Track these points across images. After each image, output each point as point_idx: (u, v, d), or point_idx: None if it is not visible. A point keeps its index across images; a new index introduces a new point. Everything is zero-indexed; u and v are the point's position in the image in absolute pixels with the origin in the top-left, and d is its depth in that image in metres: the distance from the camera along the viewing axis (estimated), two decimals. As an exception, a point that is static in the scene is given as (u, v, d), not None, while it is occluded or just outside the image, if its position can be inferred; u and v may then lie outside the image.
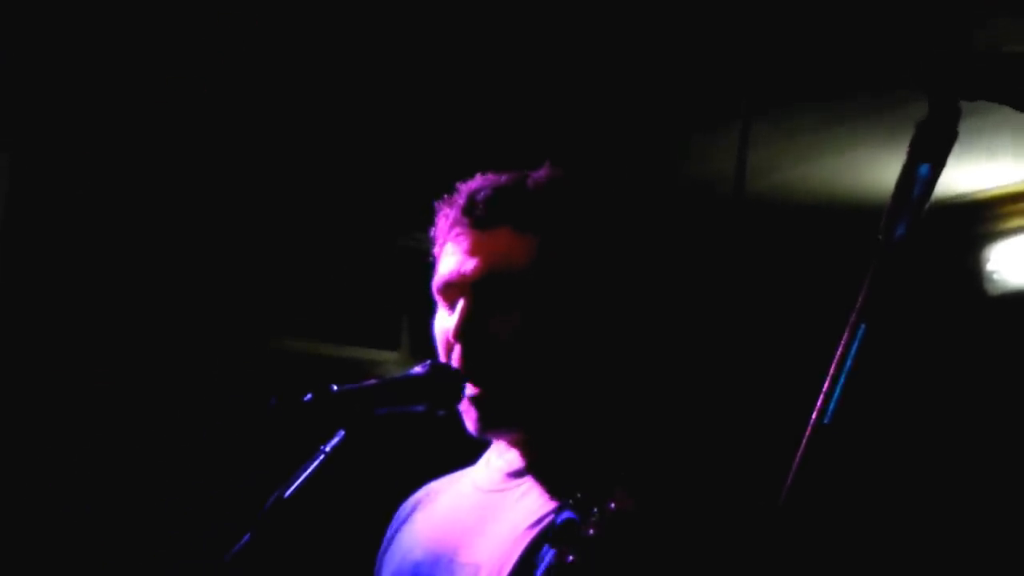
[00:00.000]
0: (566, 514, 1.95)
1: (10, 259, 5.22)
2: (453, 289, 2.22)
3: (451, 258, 2.23)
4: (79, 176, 5.34)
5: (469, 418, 2.21)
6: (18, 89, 4.74)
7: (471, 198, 2.23)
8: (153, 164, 5.42)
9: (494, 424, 2.23)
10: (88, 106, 4.87)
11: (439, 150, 5.14)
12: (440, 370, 2.18)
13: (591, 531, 1.85)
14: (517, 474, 2.25)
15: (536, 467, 2.23)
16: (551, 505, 2.12)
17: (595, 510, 1.87)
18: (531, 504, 2.16)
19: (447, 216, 2.27)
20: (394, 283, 6.18)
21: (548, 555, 1.98)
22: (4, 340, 5.17)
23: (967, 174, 5.48)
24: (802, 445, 1.46)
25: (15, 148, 5.16)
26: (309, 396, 2.01)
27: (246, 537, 1.96)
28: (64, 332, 5.37)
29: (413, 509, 2.47)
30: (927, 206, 1.57)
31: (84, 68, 4.60)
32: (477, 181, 2.27)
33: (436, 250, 2.30)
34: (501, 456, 2.31)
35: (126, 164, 5.36)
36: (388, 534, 2.49)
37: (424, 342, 2.33)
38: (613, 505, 1.87)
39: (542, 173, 2.27)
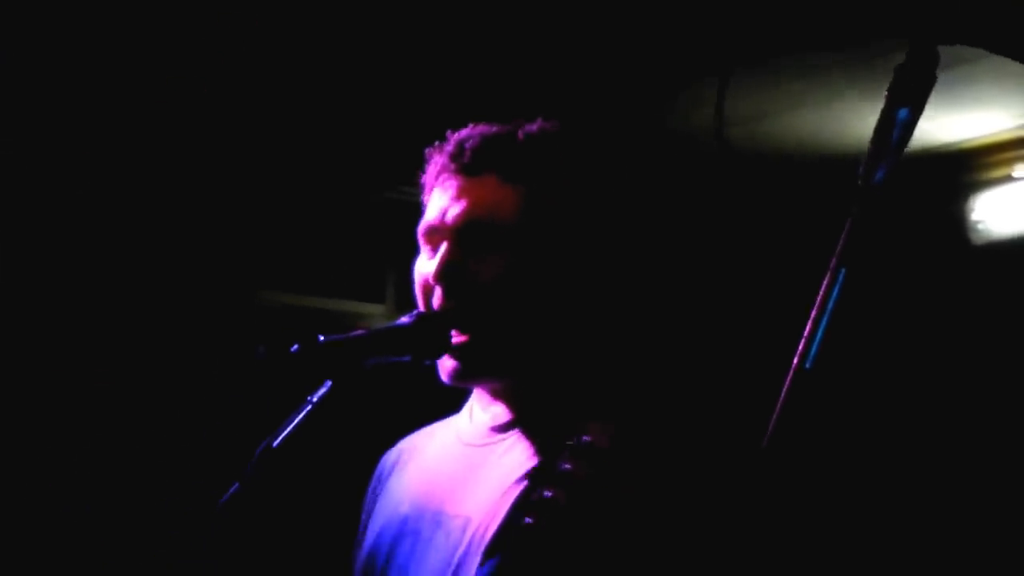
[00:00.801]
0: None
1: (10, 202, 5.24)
2: (436, 233, 2.22)
3: (436, 203, 2.23)
4: (66, 132, 5.34)
5: (444, 367, 2.22)
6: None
7: (459, 145, 2.23)
8: (140, 124, 5.41)
9: (469, 374, 2.23)
10: (71, 66, 4.87)
11: (425, 103, 5.14)
12: (426, 320, 2.18)
13: (566, 465, 1.86)
14: (502, 428, 2.25)
15: (521, 421, 2.23)
16: (537, 459, 2.13)
17: (569, 442, 1.87)
18: (518, 457, 2.17)
19: (435, 163, 2.27)
20: (380, 236, 6.19)
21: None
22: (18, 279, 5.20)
23: (952, 123, 5.48)
24: (784, 389, 1.47)
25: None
26: (296, 347, 2.01)
27: (235, 486, 1.97)
28: (52, 292, 5.38)
29: (396, 462, 2.47)
30: (910, 153, 1.58)
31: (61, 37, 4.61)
32: (467, 130, 2.28)
33: (424, 197, 2.31)
34: (485, 410, 2.31)
35: (113, 120, 5.35)
36: (372, 488, 2.50)
37: (410, 295, 2.33)
38: (586, 438, 1.87)
39: (534, 126, 2.27)
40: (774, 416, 1.45)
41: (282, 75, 5.07)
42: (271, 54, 4.87)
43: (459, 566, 2.10)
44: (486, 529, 2.10)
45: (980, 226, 5.73)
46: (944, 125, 5.47)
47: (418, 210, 2.34)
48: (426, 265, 2.24)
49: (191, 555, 2.00)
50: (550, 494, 1.85)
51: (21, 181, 5.28)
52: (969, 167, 5.81)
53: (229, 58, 4.90)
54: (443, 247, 2.20)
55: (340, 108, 5.40)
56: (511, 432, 2.23)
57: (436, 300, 2.20)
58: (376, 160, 5.87)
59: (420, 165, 2.34)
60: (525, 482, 2.10)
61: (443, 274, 2.18)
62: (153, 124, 5.50)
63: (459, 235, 2.19)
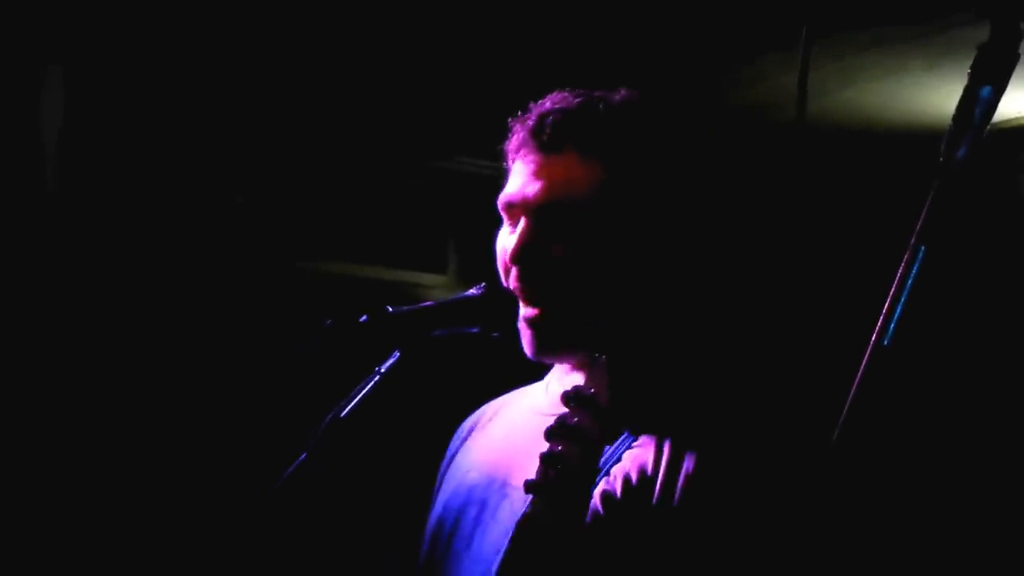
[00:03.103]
0: (628, 437, 1.98)
1: (69, 167, 5.26)
2: (516, 209, 2.21)
3: (517, 178, 2.22)
4: (131, 88, 5.36)
5: (525, 340, 2.21)
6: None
7: (540, 120, 2.21)
8: (205, 80, 5.43)
9: (549, 347, 2.22)
10: (138, 16, 4.88)
11: (487, 73, 5.13)
12: (495, 292, 2.18)
13: (577, 419, 1.89)
14: None
15: (597, 393, 2.22)
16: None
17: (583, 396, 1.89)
18: None
19: (516, 135, 2.25)
20: (442, 206, 6.18)
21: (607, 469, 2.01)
22: (64, 240, 5.22)
23: (1014, 98, 5.43)
24: (862, 366, 1.46)
25: (68, 59, 5.18)
26: (365, 317, 2.02)
27: (302, 456, 1.98)
28: (118, 242, 5.41)
29: (471, 430, 2.48)
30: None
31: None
32: (549, 101, 2.25)
33: (506, 166, 2.29)
34: (560, 381, 2.30)
35: (177, 72, 5.37)
36: (448, 455, 2.50)
37: (471, 266, 2.34)
38: (592, 391, 1.90)
39: (615, 97, 2.25)
40: (851, 393, 1.45)
41: (346, 42, 5.07)
42: (336, 22, 4.88)
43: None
44: None
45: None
46: (1006, 100, 5.41)
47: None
48: (507, 239, 2.23)
49: (255, 529, 2.00)
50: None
51: (78, 116, 5.30)
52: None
53: (292, 26, 4.91)
54: (520, 226, 2.19)
55: (404, 77, 5.40)
56: None
57: (513, 279, 2.20)
58: (437, 130, 5.87)
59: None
60: None
61: (520, 256, 2.18)
62: (211, 95, 5.52)
63: (538, 214, 2.18)
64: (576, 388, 1.92)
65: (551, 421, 2.22)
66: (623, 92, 2.26)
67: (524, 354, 2.25)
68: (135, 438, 5.23)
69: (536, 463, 2.15)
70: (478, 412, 2.53)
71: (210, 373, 5.43)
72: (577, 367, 2.28)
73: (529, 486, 1.91)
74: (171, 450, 5.27)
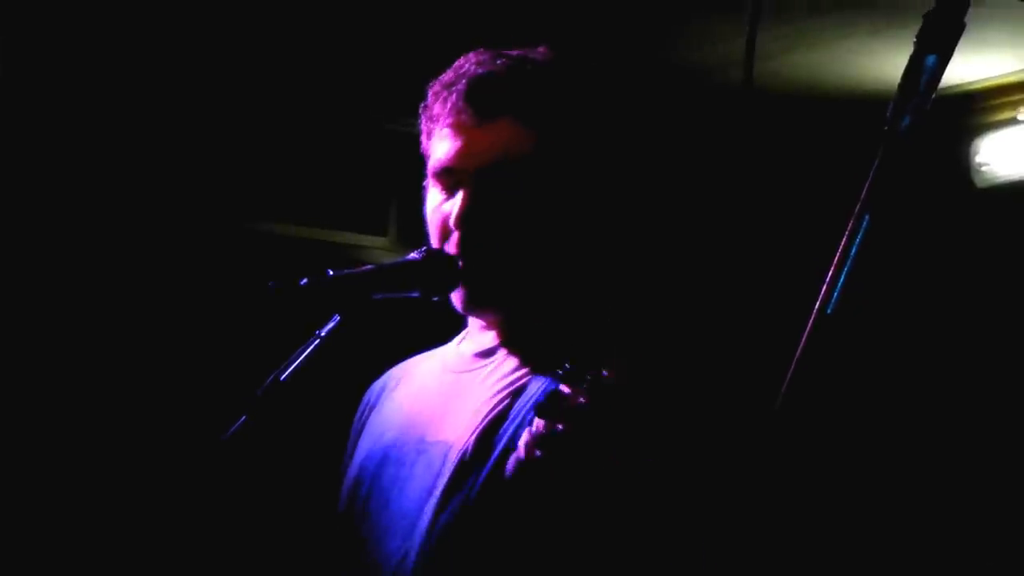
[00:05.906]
0: (551, 384, 1.95)
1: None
2: (454, 175, 2.22)
3: (451, 144, 2.22)
4: (67, 56, 5.33)
5: (457, 295, 2.22)
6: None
7: (472, 85, 2.21)
8: (144, 48, 5.39)
9: (483, 301, 2.24)
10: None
11: (429, 31, 5.10)
12: (436, 257, 2.19)
13: (582, 399, 1.84)
14: (486, 354, 2.27)
15: (506, 345, 2.25)
16: (517, 375, 2.16)
17: (588, 378, 1.84)
18: (498, 378, 2.20)
19: (444, 99, 2.24)
20: (383, 168, 6.16)
21: (524, 421, 2.00)
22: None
23: (957, 65, 5.43)
24: (805, 334, 1.46)
25: (5, 29, 5.13)
26: (305, 280, 2.01)
27: (242, 419, 1.98)
28: (52, 208, 5.39)
29: (383, 391, 2.49)
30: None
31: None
32: (472, 64, 2.24)
33: (427, 129, 2.29)
34: (472, 339, 2.33)
35: (114, 42, 5.33)
36: (358, 416, 2.50)
37: (412, 228, 2.34)
38: (606, 374, 1.84)
39: (539, 57, 2.25)
40: (794, 361, 1.45)
41: (286, 2, 5.04)
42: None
43: (440, 493, 2.12)
44: (464, 451, 2.12)
45: (984, 169, 5.71)
46: (950, 66, 5.43)
47: (421, 137, 2.32)
48: (443, 205, 2.24)
49: (195, 488, 2.00)
50: (562, 428, 1.83)
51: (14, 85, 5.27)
52: (972, 110, 5.79)
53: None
54: (462, 193, 2.20)
55: (346, 37, 5.37)
56: (494, 356, 2.25)
57: (453, 244, 2.20)
58: (379, 91, 5.84)
59: (424, 97, 2.32)
60: (500, 396, 2.14)
61: (464, 220, 2.18)
62: (149, 54, 5.47)
63: (478, 179, 2.19)
64: (589, 370, 1.86)
65: (462, 378, 2.24)
66: (542, 51, 2.28)
67: (456, 313, 2.27)
68: (71, 400, 5.21)
69: (448, 418, 2.16)
70: (385, 376, 2.53)
71: (148, 333, 5.41)
72: (491, 323, 2.29)
73: (522, 463, 1.91)
74: (110, 411, 5.25)
